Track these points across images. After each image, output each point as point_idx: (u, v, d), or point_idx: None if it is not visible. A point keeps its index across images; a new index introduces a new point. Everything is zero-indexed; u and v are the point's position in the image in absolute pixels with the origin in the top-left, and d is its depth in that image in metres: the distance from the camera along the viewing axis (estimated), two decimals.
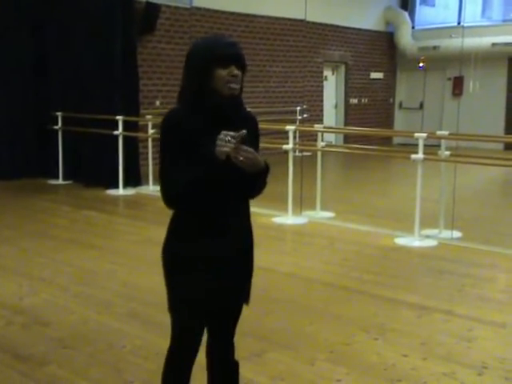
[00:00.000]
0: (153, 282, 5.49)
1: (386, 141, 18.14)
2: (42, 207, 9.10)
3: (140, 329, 4.49)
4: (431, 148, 7.75)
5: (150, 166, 10.54)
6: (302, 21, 14.43)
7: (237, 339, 2.76)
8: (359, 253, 6.83)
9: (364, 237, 7.48)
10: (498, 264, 6.47)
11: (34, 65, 11.52)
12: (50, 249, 6.79)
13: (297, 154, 9.68)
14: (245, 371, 2.85)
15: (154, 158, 10.73)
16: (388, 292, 5.42)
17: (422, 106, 19.21)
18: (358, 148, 11.25)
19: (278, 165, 8.99)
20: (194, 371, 2.67)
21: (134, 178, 10.68)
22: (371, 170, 13.46)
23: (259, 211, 8.30)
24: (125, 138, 10.24)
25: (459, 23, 17.77)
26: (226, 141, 2.31)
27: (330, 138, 15.04)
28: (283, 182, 8.28)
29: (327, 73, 17.69)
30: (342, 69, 18.12)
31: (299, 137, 12.17)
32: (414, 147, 7.30)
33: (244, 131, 2.32)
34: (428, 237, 7.33)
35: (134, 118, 10.63)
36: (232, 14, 14.49)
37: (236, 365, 2.78)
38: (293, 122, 14.17)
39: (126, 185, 10.37)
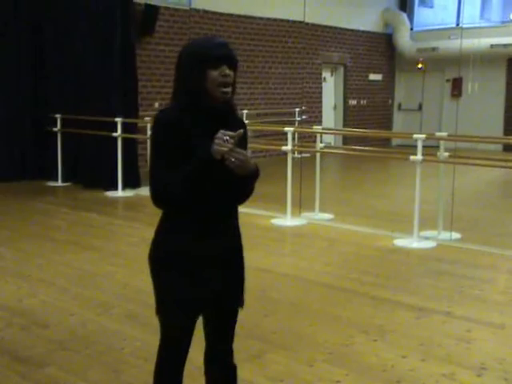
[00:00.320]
0: (152, 284, 5.50)
1: (385, 142, 18.18)
2: (41, 209, 9.10)
3: (139, 330, 4.48)
4: (430, 149, 7.75)
5: None
6: (300, 22, 14.43)
7: (236, 340, 2.75)
8: (358, 254, 6.83)
9: (363, 238, 7.48)
10: (497, 265, 6.48)
11: (32, 66, 11.52)
12: (49, 250, 6.79)
13: (296, 155, 9.69)
14: (244, 372, 2.85)
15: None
16: (387, 293, 5.43)
17: (420, 107, 19.24)
18: (356, 149, 11.26)
19: (276, 166, 9.05)
20: (193, 375, 2.67)
21: (133, 180, 10.67)
22: (370, 171, 13.47)
23: (258, 213, 8.30)
24: (124, 140, 10.24)
25: (458, 24, 17.80)
26: (224, 140, 2.31)
27: (329, 139, 15.05)
28: (282, 184, 8.29)
29: (326, 74, 17.71)
30: (341, 70, 18.13)
31: (298, 138, 12.19)
32: (412, 148, 7.30)
33: (241, 131, 2.33)
34: (427, 238, 7.34)
35: (132, 120, 10.63)
36: (231, 15, 14.50)
37: (234, 369, 2.76)
38: (292, 123, 14.18)
39: (125, 186, 10.37)
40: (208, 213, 2.50)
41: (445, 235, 7.45)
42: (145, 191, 10.38)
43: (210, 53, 2.42)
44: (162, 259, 2.55)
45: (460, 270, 6.19)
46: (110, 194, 10.25)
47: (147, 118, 10.86)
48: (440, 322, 4.78)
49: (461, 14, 17.93)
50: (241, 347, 2.85)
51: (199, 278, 2.51)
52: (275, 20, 15.55)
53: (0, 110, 11.25)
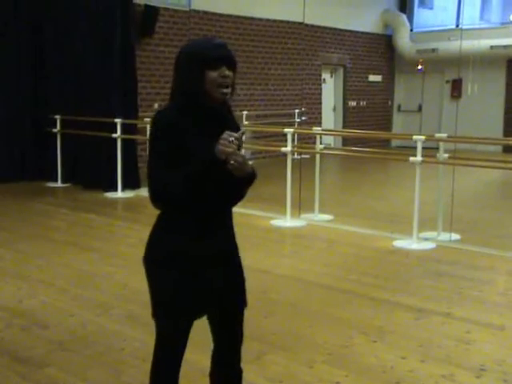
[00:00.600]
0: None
1: (385, 143, 18.20)
2: (41, 210, 9.10)
3: (139, 331, 4.48)
4: (430, 150, 7.76)
5: None
6: (300, 23, 14.45)
7: None
8: (358, 255, 6.84)
9: (362, 239, 7.49)
10: (496, 266, 6.48)
11: (32, 66, 11.52)
12: (48, 251, 6.79)
13: (295, 156, 9.69)
14: (244, 373, 2.84)
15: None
16: (386, 294, 5.43)
17: (420, 108, 19.25)
18: (356, 150, 11.27)
19: (276, 167, 9.04)
20: (194, 378, 2.67)
21: (133, 181, 10.67)
22: (370, 172, 13.48)
23: (258, 214, 8.31)
24: (123, 141, 10.24)
25: (458, 26, 17.79)
26: (230, 141, 2.32)
27: (329, 140, 15.05)
28: (282, 185, 8.29)
29: (326, 75, 17.71)
30: (341, 71, 18.13)
31: (298, 139, 12.17)
32: (412, 150, 7.30)
33: (244, 129, 2.35)
34: (426, 239, 7.34)
35: (132, 121, 10.64)
36: (230, 16, 14.50)
37: (240, 372, 2.75)
38: (291, 124, 14.18)
39: (125, 187, 10.37)
40: (206, 212, 2.50)
41: (444, 236, 7.46)
42: (144, 192, 10.37)
43: (208, 54, 2.42)
44: (158, 260, 2.54)
45: (459, 271, 6.20)
46: (110, 194, 10.26)
47: (147, 119, 10.84)
48: (439, 323, 4.79)
49: (460, 15, 17.93)
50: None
51: (197, 278, 2.50)
52: (275, 21, 15.56)
53: (0, 110, 11.25)
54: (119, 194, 10.25)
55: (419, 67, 17.96)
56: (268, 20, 15.43)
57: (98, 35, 10.63)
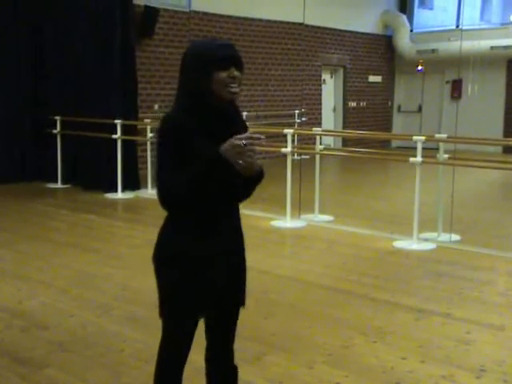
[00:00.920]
0: (152, 286, 5.48)
1: (385, 144, 18.20)
2: (41, 211, 9.10)
3: (139, 332, 4.49)
4: (430, 151, 7.76)
5: (149, 170, 10.55)
6: (300, 24, 14.46)
7: (235, 342, 2.76)
8: (358, 256, 6.84)
9: (362, 240, 7.48)
10: (496, 267, 6.48)
11: (32, 66, 11.53)
12: (48, 252, 6.79)
13: (295, 157, 9.69)
14: (243, 374, 2.85)
15: (152, 162, 10.74)
16: (386, 295, 5.43)
17: (420, 109, 19.25)
18: (356, 151, 11.28)
19: (276, 168, 9.03)
20: (191, 377, 2.67)
21: (133, 182, 10.68)
22: (370, 173, 13.47)
23: (258, 214, 8.31)
24: (123, 142, 10.24)
25: (458, 26, 17.79)
26: (238, 145, 2.32)
27: (329, 141, 15.05)
28: (282, 186, 8.29)
29: (325, 76, 17.71)
30: (341, 72, 18.14)
31: (298, 140, 12.17)
32: (412, 150, 7.30)
33: (256, 135, 2.35)
34: (426, 240, 7.34)
35: (132, 122, 10.64)
36: (230, 17, 14.50)
37: (235, 369, 2.77)
38: (291, 125, 14.18)
39: (125, 188, 10.37)
40: (208, 212, 2.51)
41: (444, 237, 7.46)
42: (144, 193, 10.40)
43: (217, 54, 2.41)
44: (163, 260, 2.56)
45: (459, 272, 6.20)
46: (110, 195, 10.25)
47: (147, 120, 10.87)
48: (439, 323, 4.78)
49: (461, 16, 17.93)
50: (240, 349, 2.85)
51: (202, 278, 2.51)
52: (275, 22, 15.56)
53: (0, 110, 11.25)
54: (119, 194, 10.25)
55: (419, 68, 17.96)
56: (268, 21, 15.43)
57: (98, 35, 10.63)
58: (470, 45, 14.72)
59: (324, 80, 17.60)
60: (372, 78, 19.03)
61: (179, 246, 2.51)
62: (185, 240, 2.50)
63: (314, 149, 9.11)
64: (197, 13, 13.60)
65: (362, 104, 18.71)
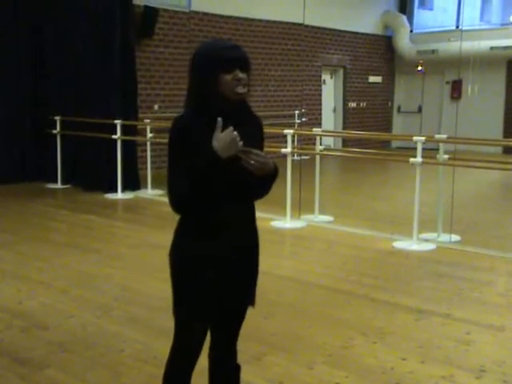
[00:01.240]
0: (152, 286, 5.50)
1: (385, 144, 18.20)
2: (41, 211, 9.10)
3: (139, 332, 4.48)
4: (430, 151, 7.76)
5: (149, 170, 10.55)
6: (300, 25, 14.45)
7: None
8: (358, 256, 6.83)
9: (362, 240, 7.48)
10: (496, 267, 6.48)
11: (32, 66, 11.52)
12: (48, 253, 6.78)
13: (295, 157, 9.69)
14: (244, 374, 2.85)
15: (152, 162, 10.76)
16: (386, 295, 5.43)
17: (420, 109, 19.24)
18: (356, 152, 11.28)
19: None
20: (193, 375, 2.67)
21: (133, 182, 10.68)
22: (370, 173, 13.48)
23: (258, 215, 8.28)
24: (123, 142, 10.24)
25: (458, 27, 17.80)
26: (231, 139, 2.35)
27: (329, 141, 15.05)
28: (282, 186, 8.28)
29: (326, 77, 17.71)
30: (341, 73, 18.13)
31: (298, 140, 12.17)
32: (412, 151, 7.30)
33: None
34: (426, 240, 7.34)
35: (132, 122, 10.64)
36: (230, 17, 14.50)
37: (237, 368, 2.79)
38: (291, 125, 14.18)
39: (125, 189, 10.37)
40: (219, 212, 2.50)
41: (444, 237, 7.46)
42: (144, 193, 10.40)
43: (222, 55, 2.42)
44: (175, 261, 2.58)
45: (459, 272, 6.20)
46: (110, 196, 10.25)
47: (147, 120, 10.87)
48: (439, 324, 4.78)
49: (461, 17, 17.93)
50: (240, 349, 2.85)
51: (212, 279, 2.51)
52: (274, 22, 15.56)
53: (0, 110, 11.25)
54: (119, 195, 10.25)
55: (419, 68, 17.95)
56: (268, 21, 15.43)
57: (98, 35, 10.63)
58: (469, 45, 14.74)
59: (324, 80, 17.60)
60: (372, 79, 19.04)
61: (191, 248, 2.52)
62: (195, 240, 2.52)
63: (314, 149, 9.11)
64: (197, 13, 13.60)
65: (362, 104, 18.71)
